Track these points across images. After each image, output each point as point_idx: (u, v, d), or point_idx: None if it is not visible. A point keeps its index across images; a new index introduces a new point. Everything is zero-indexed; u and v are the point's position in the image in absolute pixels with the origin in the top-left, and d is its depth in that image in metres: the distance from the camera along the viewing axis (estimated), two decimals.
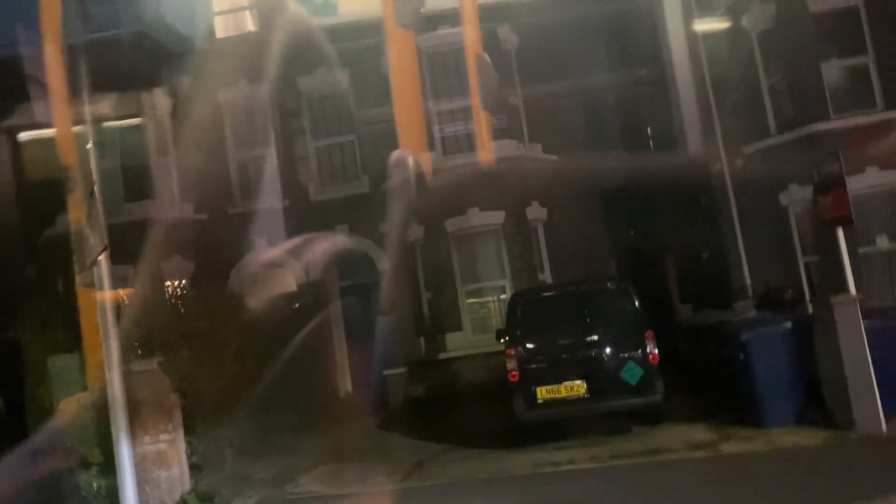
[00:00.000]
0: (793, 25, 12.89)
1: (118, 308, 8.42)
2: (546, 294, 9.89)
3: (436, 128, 14.21)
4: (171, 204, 14.77)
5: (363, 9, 14.93)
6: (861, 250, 12.20)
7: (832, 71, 12.89)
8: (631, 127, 20.93)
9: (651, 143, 19.84)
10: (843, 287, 7.94)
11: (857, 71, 12.94)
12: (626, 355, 8.84)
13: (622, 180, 15.55)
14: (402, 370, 14.66)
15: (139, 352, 8.37)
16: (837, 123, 12.34)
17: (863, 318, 7.51)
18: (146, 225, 13.43)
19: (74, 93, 8.33)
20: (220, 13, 16.10)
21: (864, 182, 12.03)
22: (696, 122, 14.21)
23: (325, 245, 15.19)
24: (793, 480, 6.42)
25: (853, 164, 10.19)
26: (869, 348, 7.41)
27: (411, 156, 13.72)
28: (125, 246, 12.12)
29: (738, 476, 6.79)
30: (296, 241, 14.75)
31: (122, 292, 8.54)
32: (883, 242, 12.55)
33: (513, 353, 9.03)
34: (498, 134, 13.95)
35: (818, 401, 8.08)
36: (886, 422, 7.33)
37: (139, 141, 14.90)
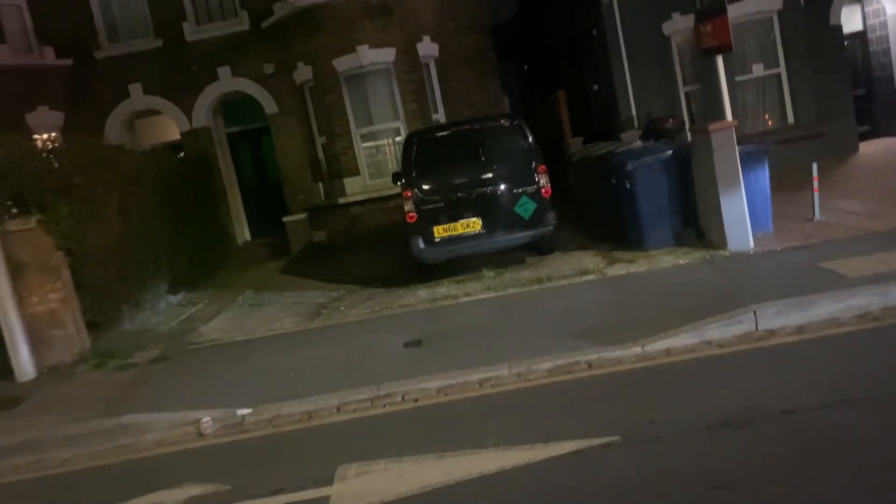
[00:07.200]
0: None
1: None
2: (440, 134, 9.77)
3: None
4: (27, 48, 13.39)
5: None
6: (738, 78, 12.70)
7: None
8: None
9: None
10: (721, 114, 8.29)
11: None
12: (520, 190, 9.11)
13: (514, 13, 15.12)
14: (302, 216, 14.55)
15: (14, 210, 7.86)
16: None
17: (737, 144, 7.93)
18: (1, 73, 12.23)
19: None
20: None
21: (742, 10, 12.27)
22: None
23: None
24: (668, 292, 6.99)
25: None
26: (741, 172, 7.92)
27: None
28: None
29: (622, 291, 7.35)
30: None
31: None
32: (759, 70, 13.07)
33: (409, 194, 9.10)
34: None
35: (693, 224, 8.68)
36: (753, 239, 8.00)
37: None
